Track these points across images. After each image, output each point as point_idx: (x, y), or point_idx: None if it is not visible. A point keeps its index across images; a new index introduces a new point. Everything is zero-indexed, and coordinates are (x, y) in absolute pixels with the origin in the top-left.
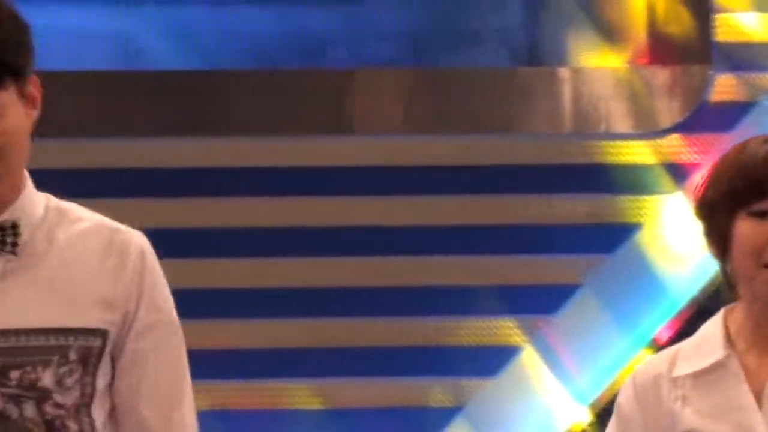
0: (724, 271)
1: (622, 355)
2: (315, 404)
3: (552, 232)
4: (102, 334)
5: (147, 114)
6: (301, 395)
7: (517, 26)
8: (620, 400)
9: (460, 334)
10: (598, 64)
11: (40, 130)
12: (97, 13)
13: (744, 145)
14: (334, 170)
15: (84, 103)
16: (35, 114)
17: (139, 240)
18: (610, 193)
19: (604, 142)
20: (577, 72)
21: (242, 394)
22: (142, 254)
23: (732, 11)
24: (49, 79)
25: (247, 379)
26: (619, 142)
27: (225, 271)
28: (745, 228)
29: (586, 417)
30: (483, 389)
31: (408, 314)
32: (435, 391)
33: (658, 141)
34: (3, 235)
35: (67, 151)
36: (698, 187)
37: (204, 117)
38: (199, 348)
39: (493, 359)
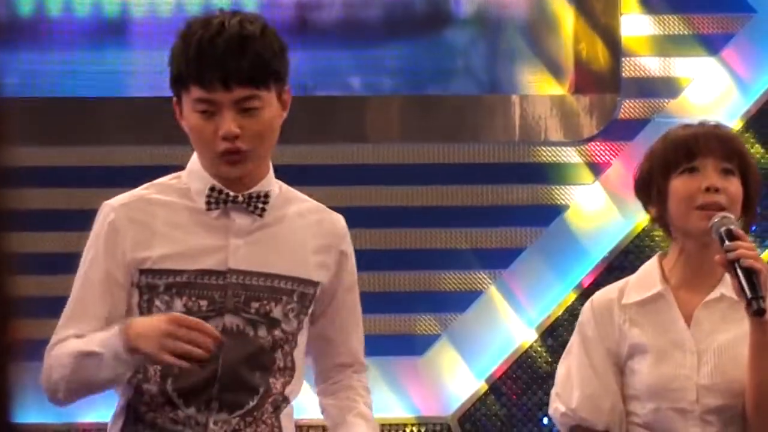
0: (664, 226)
1: (556, 295)
2: None
3: (507, 211)
4: (316, 285)
5: None
6: None
7: (483, 64)
8: (582, 319)
9: (445, 282)
10: (539, 91)
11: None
12: None
13: (667, 133)
14: (354, 167)
15: None
16: (284, 115)
17: (341, 221)
18: (547, 184)
19: (543, 147)
20: (524, 98)
21: None
22: (345, 232)
23: (635, 56)
24: None
25: None
26: (554, 148)
27: None
28: (679, 183)
29: (533, 336)
30: (460, 320)
31: (407, 269)
32: (425, 322)
33: (582, 147)
34: (256, 202)
35: None
36: (635, 173)
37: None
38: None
39: (466, 299)
